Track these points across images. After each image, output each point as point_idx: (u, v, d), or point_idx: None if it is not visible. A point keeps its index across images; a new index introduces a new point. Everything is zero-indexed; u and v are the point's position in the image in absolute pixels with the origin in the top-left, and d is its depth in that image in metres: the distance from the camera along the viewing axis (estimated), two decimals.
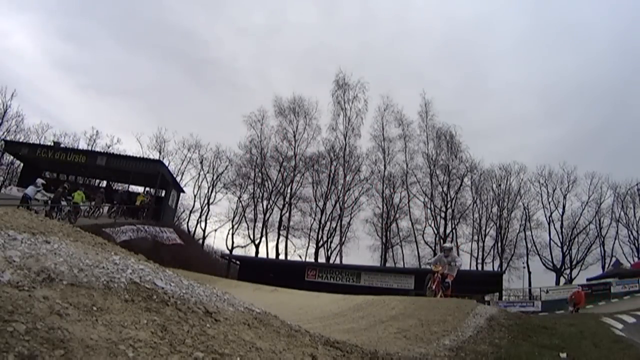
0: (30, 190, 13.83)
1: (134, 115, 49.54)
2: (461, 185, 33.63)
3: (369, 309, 6.95)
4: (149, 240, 19.47)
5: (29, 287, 1.19)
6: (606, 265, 30.69)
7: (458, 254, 33.21)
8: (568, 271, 31.86)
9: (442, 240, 32.14)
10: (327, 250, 33.14)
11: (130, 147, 57.35)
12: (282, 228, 33.47)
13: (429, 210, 33.40)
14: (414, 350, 3.26)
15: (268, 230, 33.69)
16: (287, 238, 33.26)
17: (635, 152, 37.80)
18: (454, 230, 32.92)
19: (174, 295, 1.61)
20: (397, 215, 33.60)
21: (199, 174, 34.71)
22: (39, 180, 15.02)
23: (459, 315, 5.19)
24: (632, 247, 31.41)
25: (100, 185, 26.93)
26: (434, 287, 9.03)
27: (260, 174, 34.18)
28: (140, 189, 26.66)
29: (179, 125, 62.62)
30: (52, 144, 27.84)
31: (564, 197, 33.16)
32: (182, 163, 34.26)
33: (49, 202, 14.54)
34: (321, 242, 33.15)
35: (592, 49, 45.74)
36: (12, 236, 1.54)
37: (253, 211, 33.96)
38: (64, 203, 15.51)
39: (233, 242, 33.83)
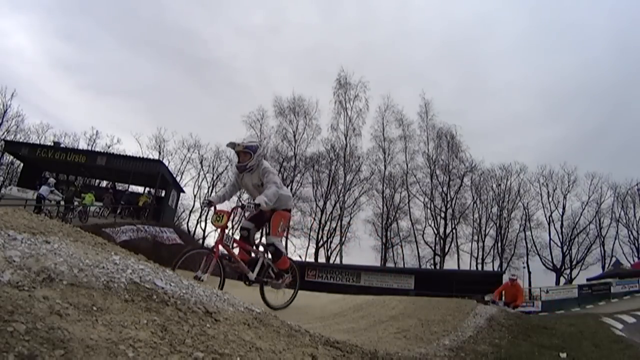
0: (44, 190, 14.13)
1: (133, 115, 49.53)
2: (461, 185, 33.68)
3: (369, 309, 6.94)
4: (149, 240, 19.51)
5: (29, 287, 1.19)
6: (606, 265, 30.71)
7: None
8: (568, 271, 31.89)
9: (442, 241, 32.16)
10: (327, 250, 33.16)
11: (130, 147, 57.28)
12: None
13: (429, 210, 33.45)
14: (414, 350, 3.26)
15: None
16: (287, 238, 33.25)
17: (635, 152, 37.80)
18: (454, 230, 32.93)
19: (174, 295, 1.61)
20: (397, 215, 33.61)
21: (199, 174, 34.74)
22: (52, 180, 15.33)
23: (459, 315, 5.19)
24: (632, 247, 31.48)
25: (109, 185, 27.00)
26: (234, 254, 4.04)
27: None
28: (140, 189, 26.67)
29: (179, 125, 62.53)
30: (52, 144, 27.89)
31: (564, 197, 33.25)
32: (182, 163, 34.33)
33: (62, 202, 14.82)
34: (321, 242, 33.16)
35: (592, 49, 45.74)
36: (12, 236, 1.54)
37: None
38: (75, 203, 15.80)
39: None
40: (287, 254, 4.42)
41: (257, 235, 4.43)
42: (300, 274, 4.45)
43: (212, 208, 4.06)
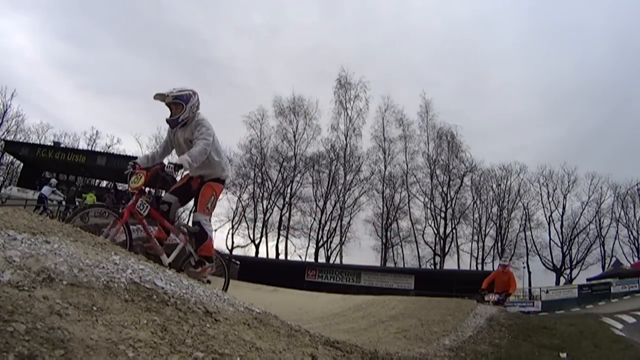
0: (46, 190, 14.17)
1: (133, 115, 49.49)
2: (461, 185, 33.66)
3: (369, 309, 6.96)
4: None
5: (29, 287, 1.19)
6: (606, 265, 30.69)
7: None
8: (568, 271, 31.88)
9: (442, 241, 32.15)
10: (327, 250, 33.15)
11: (130, 147, 57.21)
12: (282, 228, 33.49)
13: (429, 210, 33.44)
14: (414, 350, 3.26)
15: (268, 230, 33.71)
16: (287, 238, 33.28)
17: (635, 152, 37.75)
18: (454, 230, 32.93)
19: (174, 295, 1.61)
20: (397, 215, 33.61)
21: None
22: (53, 181, 15.39)
23: (459, 315, 5.19)
24: (632, 247, 31.44)
25: (109, 186, 27.00)
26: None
27: (260, 174, 34.20)
28: None
29: None
30: (52, 144, 27.91)
31: (564, 197, 33.21)
32: None
33: (63, 202, 14.86)
34: (321, 242, 33.15)
35: (592, 48, 45.73)
36: (12, 236, 1.54)
37: (253, 211, 33.98)
38: (76, 203, 15.87)
39: (233, 242, 33.79)
40: (213, 237, 3.59)
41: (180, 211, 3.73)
42: (228, 265, 3.86)
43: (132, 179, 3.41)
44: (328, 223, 33.52)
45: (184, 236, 3.53)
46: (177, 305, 1.54)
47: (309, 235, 33.52)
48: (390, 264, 31.56)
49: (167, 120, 3.45)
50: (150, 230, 3.47)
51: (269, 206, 33.91)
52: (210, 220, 3.56)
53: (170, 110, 3.41)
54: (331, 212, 33.69)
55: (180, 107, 3.36)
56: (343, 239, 32.90)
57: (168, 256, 3.41)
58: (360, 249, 33.32)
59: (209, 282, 3.42)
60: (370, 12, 51.96)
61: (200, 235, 3.44)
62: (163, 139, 3.68)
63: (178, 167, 3.18)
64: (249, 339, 1.58)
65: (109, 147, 32.49)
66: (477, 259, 32.91)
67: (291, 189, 34.28)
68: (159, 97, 3.36)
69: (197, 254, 3.49)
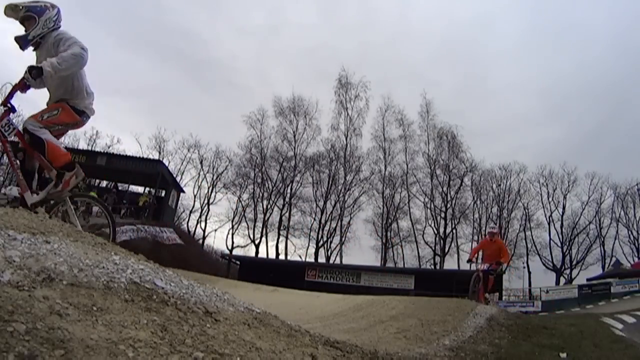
0: None
1: (133, 115, 49.41)
2: (461, 185, 33.68)
3: (369, 309, 6.95)
4: (149, 240, 19.51)
5: (29, 287, 1.19)
6: (606, 265, 30.70)
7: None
8: (568, 271, 31.88)
9: (442, 241, 32.15)
10: (327, 250, 33.17)
11: (130, 147, 57.14)
12: (282, 228, 33.50)
13: (429, 210, 33.45)
14: (414, 350, 3.26)
15: (268, 230, 33.72)
16: (287, 238, 33.29)
17: (635, 152, 37.74)
18: (454, 230, 32.94)
19: (174, 295, 1.61)
20: (397, 215, 33.61)
21: (199, 174, 34.66)
22: None
23: (459, 315, 5.19)
24: (632, 247, 31.42)
25: (111, 186, 27.02)
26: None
27: (260, 174, 34.22)
28: (140, 189, 26.68)
29: (179, 125, 62.33)
30: None
31: (564, 197, 33.22)
32: (182, 163, 34.24)
33: None
34: (321, 242, 33.16)
35: (592, 49, 45.73)
36: (12, 236, 1.54)
37: (253, 211, 33.98)
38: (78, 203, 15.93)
39: (233, 242, 33.79)
40: (51, 139, 2.94)
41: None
42: (109, 210, 3.34)
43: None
44: (328, 223, 33.54)
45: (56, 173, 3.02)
46: (177, 305, 1.55)
47: (309, 235, 33.57)
48: (390, 264, 31.57)
49: (15, 39, 2.87)
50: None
51: (269, 206, 33.93)
52: (43, 129, 2.93)
53: (25, 28, 2.86)
54: (331, 212, 33.71)
55: (33, 21, 2.80)
56: (343, 239, 32.93)
57: (37, 195, 2.96)
58: (360, 249, 33.35)
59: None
60: (371, 12, 51.97)
61: (34, 143, 2.88)
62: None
63: (38, 72, 2.65)
64: (249, 339, 1.58)
65: (109, 147, 32.46)
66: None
67: (291, 189, 34.30)
68: (12, 13, 2.81)
69: (52, 167, 2.94)
